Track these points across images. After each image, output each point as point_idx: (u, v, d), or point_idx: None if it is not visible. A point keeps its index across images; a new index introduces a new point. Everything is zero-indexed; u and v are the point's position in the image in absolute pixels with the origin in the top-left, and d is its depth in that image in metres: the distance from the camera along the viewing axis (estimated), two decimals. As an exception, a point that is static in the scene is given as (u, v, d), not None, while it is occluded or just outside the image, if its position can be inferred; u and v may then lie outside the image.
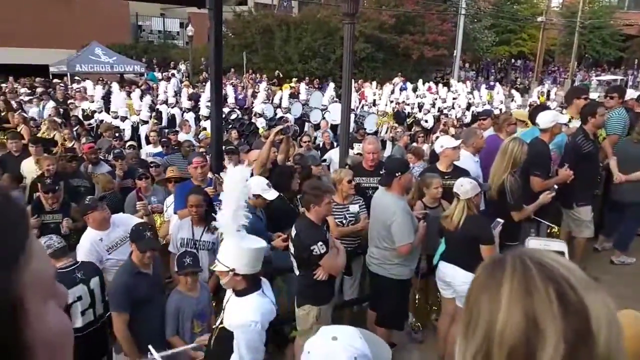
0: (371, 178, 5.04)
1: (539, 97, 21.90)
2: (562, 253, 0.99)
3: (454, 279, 4.06)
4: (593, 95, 13.59)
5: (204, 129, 10.79)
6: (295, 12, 30.38)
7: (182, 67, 25.69)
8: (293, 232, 3.81)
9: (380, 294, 4.38)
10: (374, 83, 22.15)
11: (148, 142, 9.45)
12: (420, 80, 22.29)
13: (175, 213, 4.83)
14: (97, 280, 3.76)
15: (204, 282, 3.98)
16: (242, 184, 2.81)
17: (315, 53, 27.04)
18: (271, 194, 4.38)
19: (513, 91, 24.57)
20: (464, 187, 4.00)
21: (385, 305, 4.34)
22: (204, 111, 12.79)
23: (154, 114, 13.23)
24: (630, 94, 7.73)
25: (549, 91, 24.89)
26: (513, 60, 41.18)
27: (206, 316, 3.78)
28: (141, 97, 14.26)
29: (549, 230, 5.29)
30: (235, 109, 14.35)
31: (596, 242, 6.31)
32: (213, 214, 4.39)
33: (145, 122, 11.82)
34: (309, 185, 4.00)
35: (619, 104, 6.14)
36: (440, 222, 4.26)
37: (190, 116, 13.00)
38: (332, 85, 18.64)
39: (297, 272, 3.93)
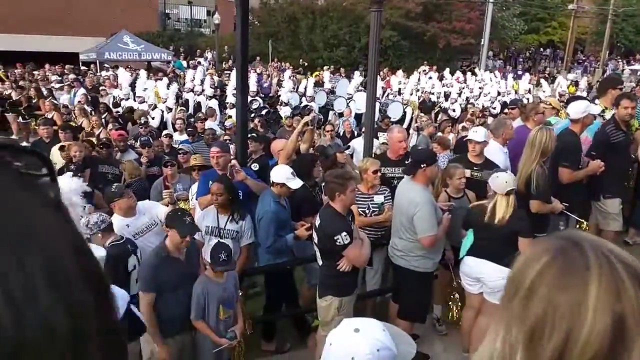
0: (396, 168, 5.00)
1: (568, 87, 21.35)
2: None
3: (486, 275, 3.99)
4: (626, 85, 13.20)
5: (230, 116, 10.85)
6: (321, 0, 30.19)
7: (209, 55, 25.82)
8: (317, 221, 3.81)
9: (403, 286, 4.36)
10: (400, 72, 21.89)
11: (175, 130, 9.56)
12: (448, 69, 21.94)
13: (195, 200, 4.90)
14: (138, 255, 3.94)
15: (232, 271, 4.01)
16: None
17: (341, 41, 26.89)
18: (296, 183, 4.39)
19: (542, 80, 24.00)
20: (499, 179, 3.92)
21: (408, 297, 4.32)
22: (230, 99, 12.86)
23: (180, 101, 13.36)
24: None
25: (577, 81, 24.26)
26: (542, 50, 40.16)
27: (232, 303, 3.82)
28: (168, 85, 14.41)
29: (577, 226, 5.18)
30: (256, 98, 14.38)
31: (627, 236, 6.17)
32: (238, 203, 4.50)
33: (171, 110, 11.95)
34: (333, 174, 3.99)
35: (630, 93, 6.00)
36: (468, 215, 4.20)
37: (214, 103, 13.08)
38: (357, 73, 18.51)
39: (320, 262, 3.93)
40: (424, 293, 4.35)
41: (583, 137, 5.12)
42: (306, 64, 25.06)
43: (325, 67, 22.87)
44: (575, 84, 23.22)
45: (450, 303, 4.78)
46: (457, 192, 4.60)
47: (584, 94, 16.27)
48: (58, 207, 0.41)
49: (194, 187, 5.23)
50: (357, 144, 7.70)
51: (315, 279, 4.83)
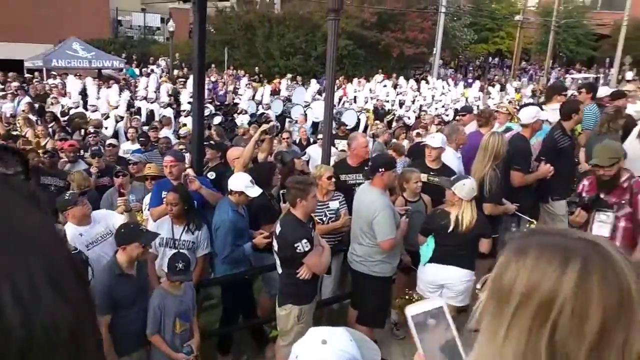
0: (357, 175, 5.03)
1: (516, 94, 22.21)
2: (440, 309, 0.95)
3: (452, 280, 4.07)
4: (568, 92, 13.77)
5: (185, 125, 10.67)
6: (277, 9, 30.21)
7: (162, 62, 25.35)
8: (277, 229, 3.77)
9: (362, 291, 4.37)
10: (355, 80, 22.17)
11: (127, 139, 9.30)
12: (402, 78, 22.38)
13: (148, 210, 4.77)
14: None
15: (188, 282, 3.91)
16: None
17: (297, 50, 26.97)
18: (255, 191, 4.34)
19: (490, 88, 24.84)
20: (466, 186, 4.00)
21: (367, 303, 4.33)
22: (185, 107, 12.65)
23: (132, 109, 13.02)
24: (605, 91, 7.88)
25: (519, 88, 25.26)
26: (491, 59, 41.64)
27: (189, 315, 3.73)
28: (119, 93, 14.03)
29: (528, 225, 5.35)
30: (207, 105, 14.22)
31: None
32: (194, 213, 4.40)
33: (122, 118, 11.63)
34: (294, 180, 3.97)
35: (590, 101, 6.27)
36: (429, 222, 4.25)
37: (169, 112, 12.83)
38: (314, 81, 18.60)
39: (279, 271, 3.89)
40: (383, 298, 4.38)
41: (535, 141, 5.31)
42: (261, 74, 24.92)
43: (289, 76, 22.90)
44: (519, 90, 24.17)
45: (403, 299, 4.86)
46: (414, 196, 4.66)
47: (530, 101, 16.95)
48: (39, 207, 0.41)
49: (148, 198, 5.09)
50: (313, 151, 7.72)
51: (274, 288, 4.80)
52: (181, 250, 4.07)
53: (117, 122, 11.51)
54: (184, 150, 6.54)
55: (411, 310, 1.01)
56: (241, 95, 16.92)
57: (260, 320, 4.82)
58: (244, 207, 4.48)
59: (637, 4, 35.26)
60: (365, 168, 4.56)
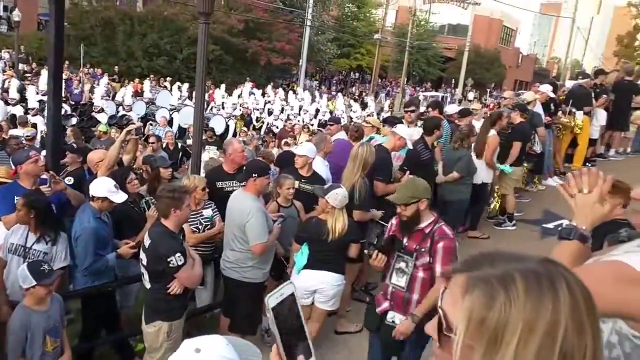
0: (234, 182, 4.99)
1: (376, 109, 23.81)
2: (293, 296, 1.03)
3: (325, 285, 4.20)
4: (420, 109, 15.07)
5: (34, 125, 9.66)
6: (140, 7, 28.71)
7: (6, 55, 22.64)
8: (146, 241, 3.58)
9: (234, 298, 4.34)
10: (223, 86, 21.95)
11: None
12: (270, 86, 22.68)
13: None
14: None
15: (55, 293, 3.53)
16: None
17: (161, 51, 25.95)
18: (119, 197, 4.09)
19: (352, 102, 26.30)
20: (339, 195, 4.13)
21: (240, 310, 4.31)
22: (33, 105, 11.43)
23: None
24: (453, 109, 8.78)
25: (366, 103, 27.14)
26: (353, 73, 44.13)
27: (59, 331, 3.37)
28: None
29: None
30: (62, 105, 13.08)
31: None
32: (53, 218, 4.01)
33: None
34: (167, 188, 3.80)
35: (440, 117, 7.02)
36: (303, 230, 4.36)
37: (19, 110, 11.51)
38: (185, 85, 18.05)
39: (147, 285, 3.68)
40: (254, 305, 4.38)
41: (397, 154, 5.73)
42: (119, 75, 23.32)
43: (152, 77, 21.80)
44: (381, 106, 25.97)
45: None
46: (286, 202, 4.77)
47: (388, 114, 18.27)
48: None
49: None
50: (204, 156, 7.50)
51: (129, 301, 4.60)
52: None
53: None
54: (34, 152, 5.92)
55: (270, 301, 1.01)
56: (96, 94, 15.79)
57: (126, 333, 4.54)
58: (107, 214, 4.19)
59: (476, 32, 40.09)
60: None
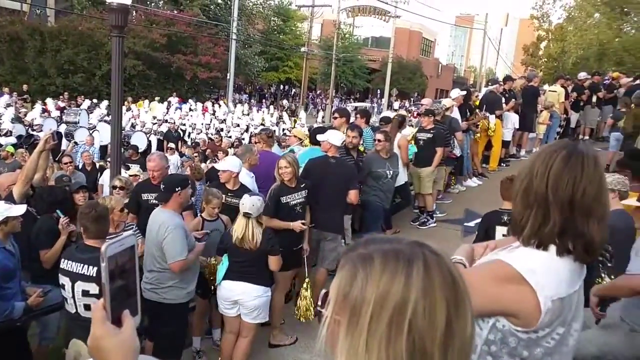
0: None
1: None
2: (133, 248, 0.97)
3: (244, 296, 4.09)
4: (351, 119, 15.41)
5: None
6: (52, 22, 27.23)
7: None
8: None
9: (155, 321, 4.13)
10: (146, 102, 21.27)
11: None
12: (195, 100, 22.24)
13: None
14: None
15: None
16: None
17: (78, 68, 24.68)
18: (19, 209, 3.86)
19: (283, 114, 26.36)
20: (255, 205, 4.07)
21: (162, 333, 4.11)
22: None
23: None
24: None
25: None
26: (282, 86, 44.25)
27: None
28: None
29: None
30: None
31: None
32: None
33: None
34: (87, 209, 3.60)
35: (365, 125, 7.36)
36: (223, 241, 4.26)
37: None
38: (104, 103, 17.31)
39: (72, 310, 3.45)
40: (177, 327, 4.20)
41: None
42: (28, 93, 21.79)
43: (88, 96, 20.61)
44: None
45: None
46: (212, 216, 4.66)
47: (321, 125, 18.45)
48: None
49: None
50: (107, 177, 7.19)
51: (49, 332, 4.32)
52: None
53: None
54: None
55: (108, 250, 0.93)
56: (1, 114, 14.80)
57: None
58: (12, 243, 3.88)
59: (398, 44, 41.54)
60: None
